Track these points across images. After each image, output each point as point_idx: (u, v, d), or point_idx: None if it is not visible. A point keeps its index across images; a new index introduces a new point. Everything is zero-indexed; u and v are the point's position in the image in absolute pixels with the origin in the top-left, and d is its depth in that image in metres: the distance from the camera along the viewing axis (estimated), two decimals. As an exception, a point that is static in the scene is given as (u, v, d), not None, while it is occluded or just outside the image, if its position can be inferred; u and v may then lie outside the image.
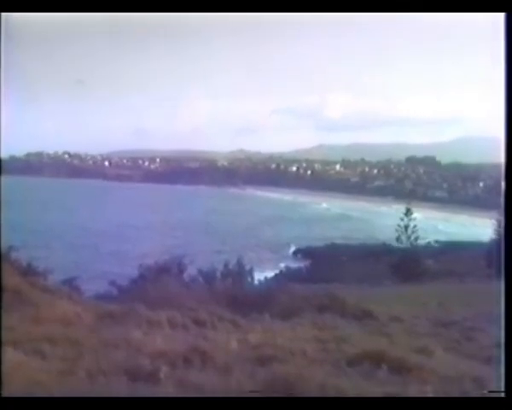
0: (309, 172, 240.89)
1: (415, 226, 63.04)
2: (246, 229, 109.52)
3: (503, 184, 6.50)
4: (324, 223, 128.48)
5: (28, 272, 17.31)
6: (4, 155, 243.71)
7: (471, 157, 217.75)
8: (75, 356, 8.10)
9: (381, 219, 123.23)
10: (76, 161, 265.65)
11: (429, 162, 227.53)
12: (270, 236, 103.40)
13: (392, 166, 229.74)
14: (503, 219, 6.85)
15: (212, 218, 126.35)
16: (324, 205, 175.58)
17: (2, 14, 7.27)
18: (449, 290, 35.86)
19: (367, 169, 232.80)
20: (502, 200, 6.46)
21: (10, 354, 7.70)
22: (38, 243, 67.79)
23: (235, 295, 19.80)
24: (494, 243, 55.19)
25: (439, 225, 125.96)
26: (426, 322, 19.40)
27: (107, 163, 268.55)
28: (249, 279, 30.00)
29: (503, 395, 6.25)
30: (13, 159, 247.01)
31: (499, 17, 6.59)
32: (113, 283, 23.62)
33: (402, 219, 63.23)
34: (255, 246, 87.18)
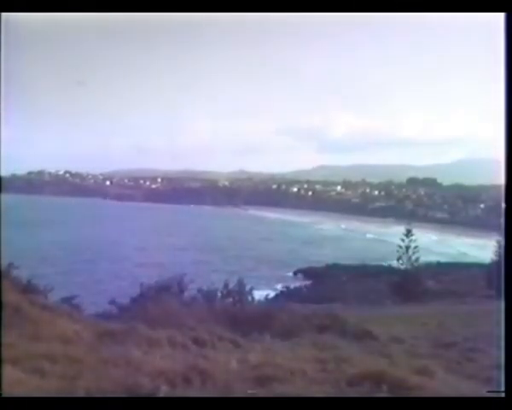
0: (310, 192, 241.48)
1: (416, 247, 63.12)
2: (247, 249, 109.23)
3: (503, 205, 6.53)
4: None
5: (28, 289, 17.27)
6: (5, 173, 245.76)
7: (472, 179, 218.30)
8: (74, 374, 8.08)
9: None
10: (77, 180, 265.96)
11: (430, 184, 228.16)
12: (272, 255, 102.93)
13: (393, 188, 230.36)
14: (503, 239, 6.88)
15: (213, 237, 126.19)
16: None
17: (3, 14, 7.29)
18: (449, 311, 35.78)
19: (368, 190, 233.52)
20: (502, 221, 6.48)
21: (10, 371, 7.68)
22: (38, 261, 67.59)
23: (235, 314, 19.74)
24: (494, 264, 55.52)
25: (440, 245, 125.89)
26: (426, 343, 19.36)
27: (108, 182, 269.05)
28: (249, 299, 29.92)
29: (503, 395, 6.27)
30: (14, 177, 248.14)
31: (499, 17, 6.67)
32: (112, 301, 23.52)
33: (403, 240, 63.32)
34: (257, 266, 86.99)
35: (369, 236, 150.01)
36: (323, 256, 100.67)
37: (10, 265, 18.50)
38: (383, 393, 7.93)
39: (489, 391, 7.09)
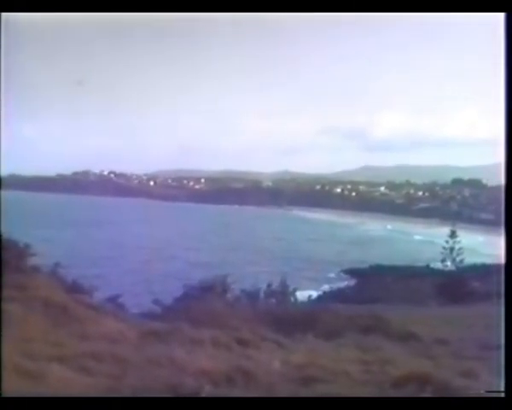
0: (353, 193, 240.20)
1: (460, 249, 62.56)
2: (293, 249, 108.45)
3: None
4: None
5: (74, 289, 17.51)
6: (51, 173, 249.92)
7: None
8: (120, 373, 8.17)
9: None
10: (121, 181, 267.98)
11: (475, 184, 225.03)
12: (319, 256, 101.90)
13: (437, 188, 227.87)
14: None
15: (258, 238, 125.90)
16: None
17: (3, 14, 7.39)
18: (495, 313, 35.21)
19: (412, 191, 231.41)
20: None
21: (57, 369, 7.81)
22: (86, 261, 68.21)
23: (278, 314, 19.74)
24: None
25: (486, 246, 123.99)
26: (471, 345, 19.10)
27: (152, 183, 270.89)
28: (292, 299, 29.92)
29: (503, 395, 6.22)
30: (60, 177, 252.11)
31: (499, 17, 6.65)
32: (156, 301, 23.64)
33: (447, 242, 62.77)
34: (303, 266, 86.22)
35: (417, 237, 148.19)
36: (371, 257, 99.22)
37: (57, 264, 18.81)
38: (427, 394, 7.87)
39: (489, 391, 7.05)
